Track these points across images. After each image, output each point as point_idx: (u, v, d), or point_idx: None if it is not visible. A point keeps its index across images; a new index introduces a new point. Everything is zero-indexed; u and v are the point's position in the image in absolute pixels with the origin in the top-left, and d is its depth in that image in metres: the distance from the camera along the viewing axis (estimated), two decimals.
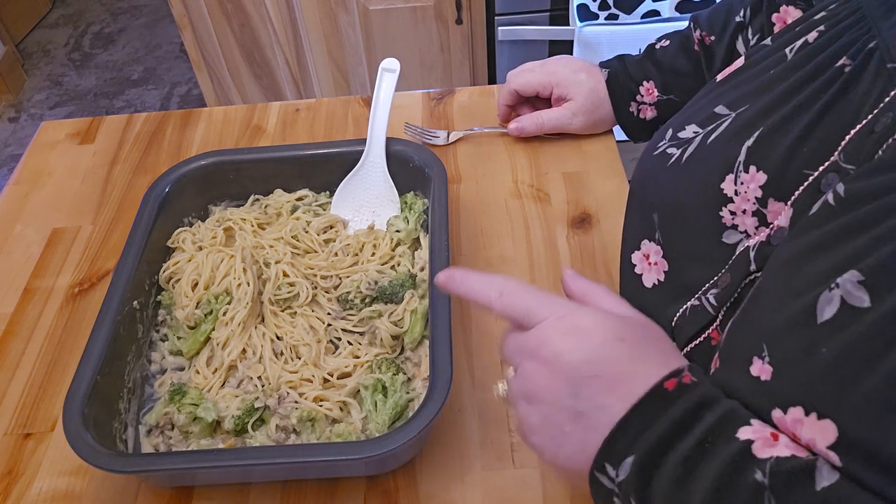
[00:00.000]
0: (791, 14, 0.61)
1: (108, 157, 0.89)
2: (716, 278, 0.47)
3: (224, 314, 0.65)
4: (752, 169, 0.45)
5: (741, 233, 0.46)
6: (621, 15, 1.49)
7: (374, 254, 0.71)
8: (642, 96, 0.79)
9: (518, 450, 0.59)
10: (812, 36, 0.47)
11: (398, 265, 0.70)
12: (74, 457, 0.52)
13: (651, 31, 1.47)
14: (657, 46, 0.79)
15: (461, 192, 0.80)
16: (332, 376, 0.62)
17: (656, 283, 0.53)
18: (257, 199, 0.77)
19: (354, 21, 1.69)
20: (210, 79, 1.85)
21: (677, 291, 0.50)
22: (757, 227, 0.45)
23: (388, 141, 0.74)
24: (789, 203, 0.43)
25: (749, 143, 0.46)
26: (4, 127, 2.42)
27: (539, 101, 0.85)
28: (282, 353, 0.64)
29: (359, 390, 0.61)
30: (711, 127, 0.49)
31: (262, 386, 0.61)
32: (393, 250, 0.71)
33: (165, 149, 0.89)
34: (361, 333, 0.65)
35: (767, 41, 0.51)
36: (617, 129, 0.83)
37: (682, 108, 0.56)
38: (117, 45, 2.72)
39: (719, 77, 0.54)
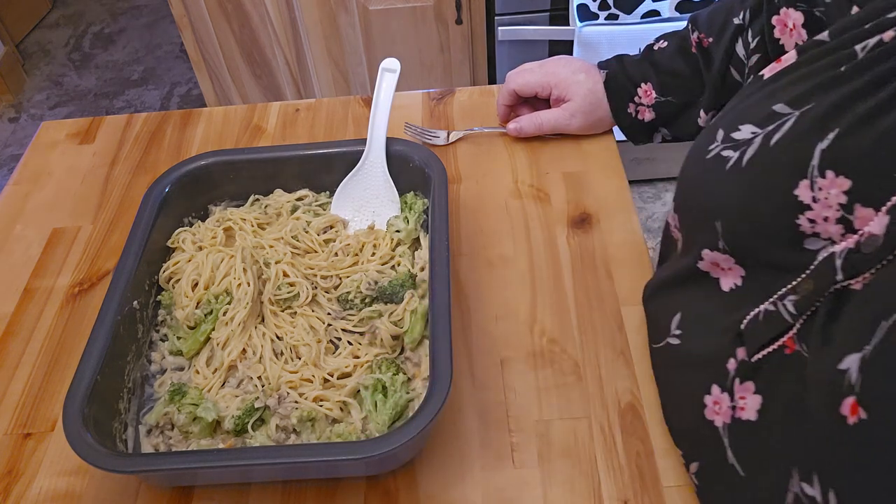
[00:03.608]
0: (791, 16, 0.60)
1: (108, 157, 0.89)
2: (794, 283, 0.45)
3: (224, 314, 0.65)
4: (830, 174, 0.42)
5: (824, 240, 0.44)
6: (621, 15, 1.49)
7: (374, 254, 0.71)
8: (640, 98, 0.78)
9: (518, 450, 0.59)
10: (889, 35, 0.44)
11: (398, 265, 0.70)
12: (74, 457, 0.52)
13: (651, 31, 1.47)
14: (655, 47, 0.78)
15: (461, 192, 0.80)
16: (332, 376, 0.62)
17: (734, 287, 0.51)
18: (257, 199, 0.77)
19: (354, 21, 1.69)
20: (210, 79, 1.85)
21: (756, 295, 0.48)
22: (843, 235, 0.43)
23: (388, 141, 0.74)
24: (884, 210, 0.40)
25: (823, 145, 0.43)
26: (4, 127, 2.42)
27: (538, 101, 0.85)
28: (282, 353, 0.64)
29: (359, 390, 0.61)
30: (772, 127, 0.47)
31: (262, 386, 0.61)
32: (393, 250, 0.71)
33: (165, 149, 0.89)
34: (361, 333, 0.65)
35: (824, 37, 0.48)
36: (617, 129, 0.83)
37: (725, 107, 0.53)
38: (117, 45, 2.72)
39: (767, 74, 0.51)
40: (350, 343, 0.65)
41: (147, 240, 0.67)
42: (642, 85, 0.78)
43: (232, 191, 0.76)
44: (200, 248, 0.71)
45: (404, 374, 0.61)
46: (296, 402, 0.60)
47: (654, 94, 0.77)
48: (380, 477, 0.58)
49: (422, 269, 0.69)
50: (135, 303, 0.64)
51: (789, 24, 0.60)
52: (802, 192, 0.44)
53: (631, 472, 0.57)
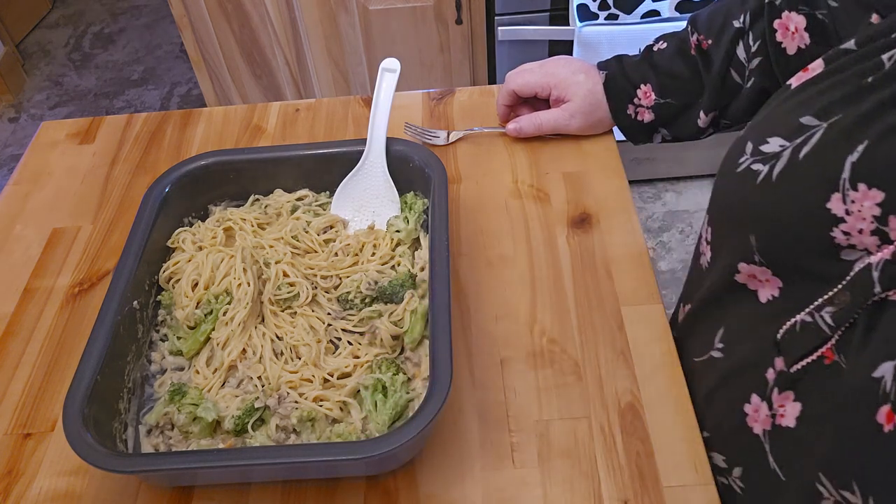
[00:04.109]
0: (793, 20, 0.60)
1: (108, 157, 0.89)
2: (831, 294, 0.45)
3: (224, 314, 0.65)
4: (863, 186, 0.42)
5: (860, 251, 0.43)
6: (621, 15, 1.49)
7: (374, 254, 0.71)
8: (639, 99, 0.78)
9: (518, 450, 0.59)
10: None
11: (398, 265, 0.70)
12: (74, 457, 0.52)
13: (651, 31, 1.47)
14: (654, 49, 0.78)
15: (461, 192, 0.80)
16: (332, 376, 0.62)
17: (771, 298, 0.51)
18: (257, 199, 0.77)
19: (354, 21, 1.69)
20: (210, 79, 1.85)
21: (795, 305, 0.48)
22: (879, 246, 0.42)
23: (388, 141, 0.74)
24: None
25: (853, 157, 0.42)
26: (4, 127, 2.42)
27: (538, 101, 0.85)
28: (282, 353, 0.64)
29: (359, 390, 0.61)
30: (800, 139, 0.46)
31: (262, 386, 0.61)
32: (393, 250, 0.71)
33: (165, 149, 0.89)
34: (361, 333, 0.65)
35: (850, 46, 0.47)
36: (617, 129, 0.83)
37: (754, 118, 0.53)
38: (117, 45, 2.72)
39: (794, 83, 0.51)
40: (350, 343, 0.65)
41: (147, 240, 0.67)
42: (642, 86, 0.78)
43: (232, 191, 0.76)
44: (200, 248, 0.71)
45: (404, 374, 0.61)
46: (296, 402, 0.60)
47: (653, 96, 0.77)
48: (380, 477, 0.58)
49: (422, 269, 0.69)
50: (135, 303, 0.64)
51: (791, 27, 0.60)
52: (835, 205, 0.43)
53: (631, 472, 0.57)
